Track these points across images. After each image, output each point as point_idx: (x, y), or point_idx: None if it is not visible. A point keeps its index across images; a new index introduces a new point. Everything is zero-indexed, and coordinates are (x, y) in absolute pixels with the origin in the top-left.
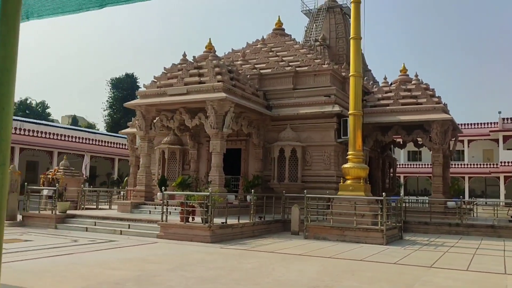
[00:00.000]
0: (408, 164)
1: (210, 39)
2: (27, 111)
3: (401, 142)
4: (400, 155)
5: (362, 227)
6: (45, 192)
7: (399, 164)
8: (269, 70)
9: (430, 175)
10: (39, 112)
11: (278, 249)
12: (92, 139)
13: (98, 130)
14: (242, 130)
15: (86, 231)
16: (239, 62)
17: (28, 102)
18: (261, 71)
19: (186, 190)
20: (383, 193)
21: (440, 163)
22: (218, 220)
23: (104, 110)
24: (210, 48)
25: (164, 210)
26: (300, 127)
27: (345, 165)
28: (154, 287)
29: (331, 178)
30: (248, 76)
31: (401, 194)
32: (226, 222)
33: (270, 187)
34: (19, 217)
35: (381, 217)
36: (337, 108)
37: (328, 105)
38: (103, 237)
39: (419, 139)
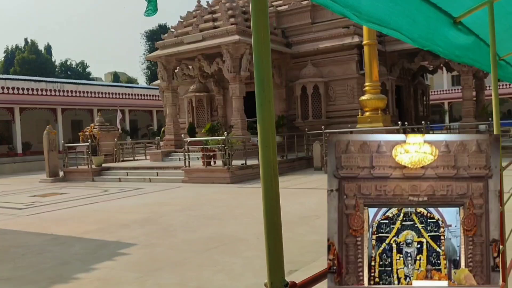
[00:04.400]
0: (452, 90)
1: None
2: (68, 72)
3: (431, 68)
4: (444, 80)
5: None
6: (79, 149)
7: (443, 90)
8: (286, 7)
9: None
10: (79, 72)
11: (293, 185)
12: (129, 94)
13: (138, 84)
14: None
15: (119, 181)
16: None
17: (68, 63)
18: (278, 8)
19: (215, 135)
20: (422, 122)
21: (470, 86)
22: (238, 162)
23: (142, 64)
24: None
25: (187, 156)
26: (321, 62)
27: (363, 97)
28: (155, 226)
29: (355, 111)
30: None
31: (446, 121)
32: (245, 163)
33: (296, 126)
34: (61, 173)
35: None
36: (356, 39)
37: (347, 36)
38: (133, 186)
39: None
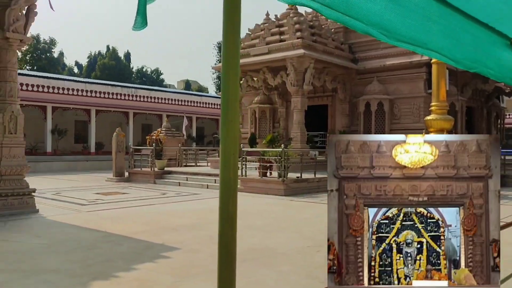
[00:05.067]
0: None
1: None
2: (143, 78)
3: (508, 90)
4: None
5: None
6: (144, 152)
7: None
8: None
9: None
10: (154, 78)
11: None
12: (198, 102)
13: (208, 92)
14: (327, 85)
15: (179, 185)
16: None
17: (144, 70)
18: None
19: (275, 147)
20: None
21: None
22: (294, 175)
23: (213, 74)
24: (291, 5)
25: (244, 166)
26: (387, 80)
27: (428, 117)
28: (201, 232)
29: (420, 131)
30: (333, 30)
31: None
32: (301, 177)
33: None
34: (126, 174)
35: None
36: (426, 57)
37: (416, 54)
38: (190, 191)
39: None
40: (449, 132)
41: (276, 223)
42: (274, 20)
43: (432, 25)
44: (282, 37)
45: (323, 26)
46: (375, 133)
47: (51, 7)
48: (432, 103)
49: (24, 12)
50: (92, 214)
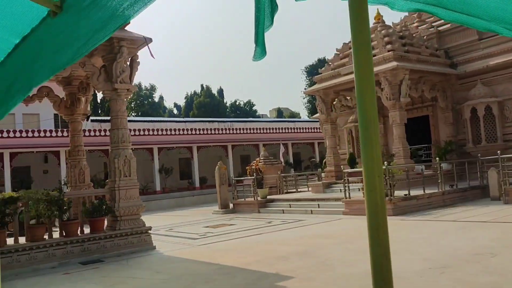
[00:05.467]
0: None
1: (377, 9)
2: (237, 111)
3: None
4: None
5: None
6: (246, 182)
7: None
8: (448, 26)
9: None
10: (247, 110)
11: (464, 217)
12: (292, 128)
13: (300, 117)
14: (425, 95)
15: (283, 213)
16: (414, 24)
17: (237, 103)
18: (439, 28)
19: None
20: None
21: None
22: (401, 193)
23: (303, 98)
24: (378, 18)
25: (347, 188)
26: (493, 81)
27: None
28: (313, 259)
29: None
30: (425, 37)
31: None
32: (408, 194)
33: (466, 152)
34: (231, 205)
35: None
36: None
37: None
38: (295, 218)
39: None
40: None
41: (390, 245)
42: None
43: None
44: (372, 51)
45: (414, 35)
46: (485, 140)
47: (152, 56)
48: None
49: (128, 63)
50: (204, 247)
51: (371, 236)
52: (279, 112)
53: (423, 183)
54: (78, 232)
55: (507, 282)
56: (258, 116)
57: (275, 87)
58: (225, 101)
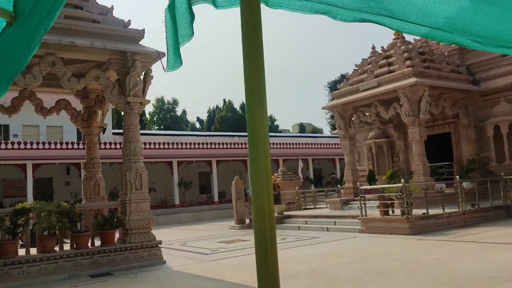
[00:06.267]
0: None
1: None
2: None
3: None
4: None
5: None
6: None
7: None
8: None
9: None
10: (269, 125)
11: (485, 238)
12: (313, 143)
13: (322, 133)
14: (446, 112)
15: (299, 229)
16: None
17: None
18: None
19: (396, 183)
20: None
21: None
22: (419, 211)
23: (326, 114)
24: (397, 34)
25: (363, 205)
26: None
27: None
28: (321, 277)
29: None
30: (446, 53)
31: None
32: (427, 213)
33: (490, 171)
34: (247, 221)
35: None
36: None
37: None
38: (310, 235)
39: None
40: None
41: (402, 267)
42: (381, 52)
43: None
44: (391, 68)
45: (434, 51)
46: (509, 159)
47: (164, 70)
48: None
49: (142, 77)
50: (213, 263)
51: (258, 267)
52: (302, 127)
53: (443, 202)
54: (89, 245)
55: None
56: (280, 131)
57: (298, 103)
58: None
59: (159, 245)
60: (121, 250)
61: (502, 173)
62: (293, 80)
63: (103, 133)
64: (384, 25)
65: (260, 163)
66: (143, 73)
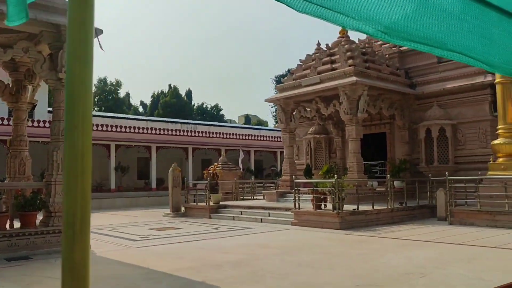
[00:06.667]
0: None
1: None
2: (203, 115)
3: None
4: None
5: None
6: (199, 186)
7: None
8: None
9: None
10: (214, 114)
11: (407, 235)
12: (256, 135)
13: (267, 126)
14: (383, 112)
15: (233, 219)
16: (379, 42)
17: (204, 106)
18: (401, 48)
19: (332, 178)
20: None
21: None
22: (351, 207)
23: (271, 107)
24: (343, 33)
25: (297, 198)
26: (448, 104)
27: (495, 142)
28: (246, 268)
29: (488, 157)
30: (387, 55)
31: None
32: (357, 209)
33: (419, 171)
34: (183, 209)
35: None
36: (489, 78)
37: (479, 75)
38: (243, 225)
39: None
40: None
41: (326, 260)
42: (325, 49)
43: (452, 21)
44: (333, 65)
45: (376, 53)
46: (437, 161)
47: (101, 48)
48: (499, 126)
49: None
50: (140, 250)
51: (64, 258)
52: (247, 119)
53: (373, 199)
54: (7, 226)
55: None
56: (226, 121)
57: (246, 94)
58: (192, 103)
59: None
60: (43, 233)
61: (430, 174)
62: (242, 72)
63: (33, 109)
64: (327, 20)
65: (76, 134)
66: None
